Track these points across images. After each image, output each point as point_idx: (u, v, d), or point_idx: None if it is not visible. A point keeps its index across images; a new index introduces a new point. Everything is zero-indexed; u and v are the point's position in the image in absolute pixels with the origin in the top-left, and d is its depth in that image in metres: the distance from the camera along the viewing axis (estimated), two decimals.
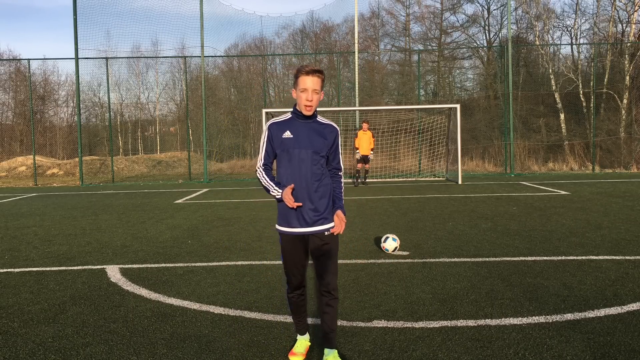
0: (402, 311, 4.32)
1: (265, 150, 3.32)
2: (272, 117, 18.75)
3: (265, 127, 3.33)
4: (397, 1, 31.69)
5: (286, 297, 3.51)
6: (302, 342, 3.55)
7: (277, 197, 3.27)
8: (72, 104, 32.66)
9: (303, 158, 3.22)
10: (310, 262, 3.42)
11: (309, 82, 3.16)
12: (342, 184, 3.44)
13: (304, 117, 3.28)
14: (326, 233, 3.29)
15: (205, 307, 4.55)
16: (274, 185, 3.28)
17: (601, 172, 20.36)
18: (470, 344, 3.62)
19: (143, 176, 24.26)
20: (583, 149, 22.95)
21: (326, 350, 3.36)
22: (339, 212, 3.33)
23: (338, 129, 3.37)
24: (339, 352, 3.40)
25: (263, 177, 3.32)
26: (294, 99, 3.30)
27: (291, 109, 3.36)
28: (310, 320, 4.17)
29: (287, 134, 3.25)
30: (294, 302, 3.47)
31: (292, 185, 3.20)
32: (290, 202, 3.17)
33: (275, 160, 3.36)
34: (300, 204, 3.21)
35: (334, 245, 3.33)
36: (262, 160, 3.33)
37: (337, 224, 3.31)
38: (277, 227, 3.36)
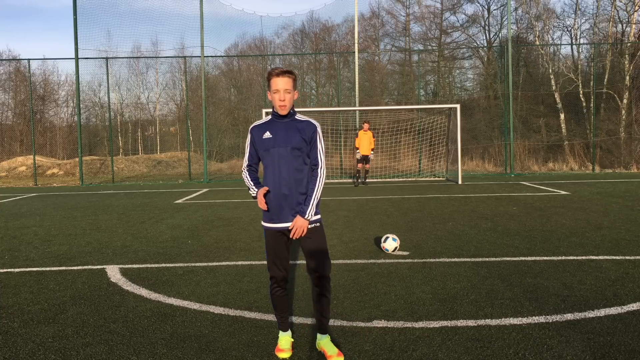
0: (402, 311, 4.32)
1: (249, 152, 3.54)
2: None
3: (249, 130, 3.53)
4: (397, 1, 31.69)
5: (269, 292, 3.62)
6: (286, 339, 3.63)
7: (253, 195, 3.49)
8: (72, 104, 32.68)
9: (282, 155, 3.36)
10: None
11: (280, 83, 3.31)
12: (318, 181, 3.41)
13: (281, 117, 3.42)
14: (309, 226, 3.41)
15: (205, 307, 4.55)
16: (252, 185, 3.51)
17: (601, 172, 20.35)
18: (470, 344, 3.62)
19: (143, 176, 24.26)
20: (583, 149, 22.94)
21: (319, 336, 3.57)
22: (297, 217, 3.36)
23: (317, 125, 3.47)
24: (334, 342, 3.59)
25: (246, 177, 3.56)
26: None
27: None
28: (310, 321, 4.17)
29: (267, 135, 3.42)
30: (277, 297, 3.58)
31: (266, 188, 3.38)
32: (260, 203, 3.39)
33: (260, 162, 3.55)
34: (266, 207, 3.39)
35: (317, 238, 3.45)
36: (247, 162, 3.57)
37: (293, 229, 3.35)
38: (262, 222, 3.52)
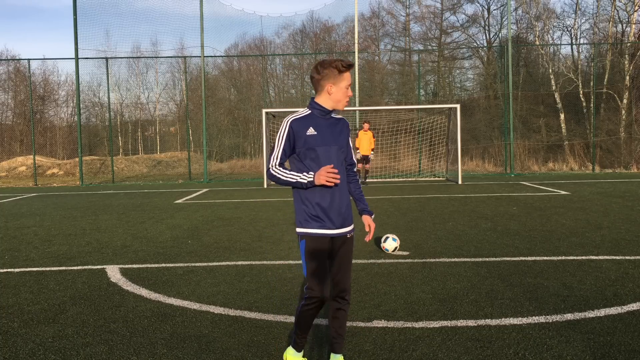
0: (402, 311, 4.32)
1: (283, 149, 3.05)
2: (273, 117, 18.76)
3: (284, 123, 3.07)
4: (397, 1, 31.68)
5: (299, 309, 3.14)
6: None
7: (309, 181, 2.97)
8: (72, 104, 32.67)
9: (330, 155, 3.04)
10: None
11: (350, 77, 3.09)
12: (360, 181, 3.25)
13: (324, 113, 3.10)
14: (348, 235, 3.12)
15: (205, 307, 4.55)
16: (299, 174, 3.00)
17: (601, 172, 20.36)
18: (470, 344, 3.62)
19: (143, 176, 24.25)
20: (583, 149, 22.95)
21: (332, 355, 3.25)
22: (366, 217, 3.19)
23: (348, 122, 3.25)
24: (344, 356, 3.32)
25: (281, 172, 3.03)
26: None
27: (307, 106, 3.18)
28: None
29: (311, 131, 3.03)
30: (309, 316, 3.12)
31: (332, 165, 2.98)
32: (328, 176, 2.92)
33: (288, 160, 3.13)
34: (338, 178, 2.97)
35: (350, 247, 3.16)
36: (278, 159, 3.06)
37: (370, 231, 3.18)
38: (304, 229, 3.05)
